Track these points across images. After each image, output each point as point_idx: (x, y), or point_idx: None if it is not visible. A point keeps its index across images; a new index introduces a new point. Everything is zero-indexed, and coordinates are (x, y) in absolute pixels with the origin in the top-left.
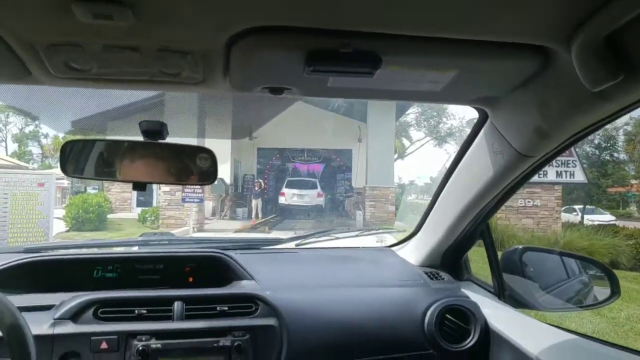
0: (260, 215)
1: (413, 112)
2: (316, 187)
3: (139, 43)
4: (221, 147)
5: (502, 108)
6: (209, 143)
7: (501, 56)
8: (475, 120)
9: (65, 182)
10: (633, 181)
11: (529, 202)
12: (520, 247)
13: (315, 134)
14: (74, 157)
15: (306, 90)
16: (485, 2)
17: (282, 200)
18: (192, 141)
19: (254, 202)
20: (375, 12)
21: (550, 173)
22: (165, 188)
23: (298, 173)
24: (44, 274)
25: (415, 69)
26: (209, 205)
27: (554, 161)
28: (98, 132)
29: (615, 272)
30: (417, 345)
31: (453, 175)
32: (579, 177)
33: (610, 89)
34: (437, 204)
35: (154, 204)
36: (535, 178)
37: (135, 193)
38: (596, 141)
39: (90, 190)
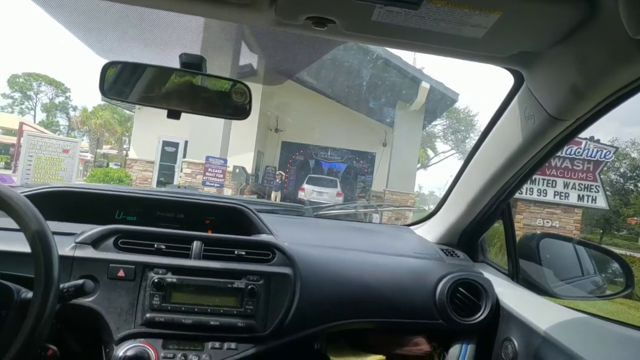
0: None
1: (441, 123)
2: (336, 187)
3: None
4: (246, 138)
5: (539, 67)
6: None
7: (545, 0)
8: None
9: (89, 155)
10: None
11: (547, 222)
12: (539, 232)
13: (341, 134)
14: (112, 78)
15: (350, 24)
16: None
17: (301, 195)
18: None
19: (273, 194)
20: None
21: (572, 195)
22: (186, 170)
23: (320, 170)
24: (68, 207)
25: (460, 7)
26: (227, 192)
27: (577, 184)
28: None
29: (627, 302)
30: (426, 314)
31: (481, 147)
32: (601, 203)
33: None
34: (461, 179)
35: (175, 184)
36: (557, 199)
37: (156, 171)
38: (622, 169)
39: (112, 165)
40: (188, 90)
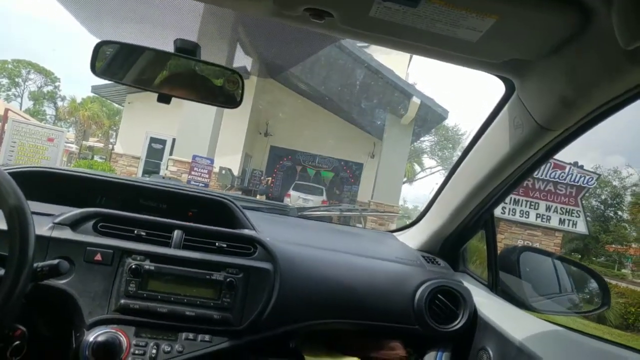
0: None
1: (429, 139)
2: (322, 194)
3: None
4: (235, 139)
5: (530, 76)
6: (226, 125)
7: (542, 8)
8: None
9: (74, 146)
10: (634, 245)
11: (528, 243)
12: (520, 245)
13: (330, 142)
14: (105, 58)
15: (347, 18)
16: None
17: (287, 200)
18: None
19: (258, 197)
20: None
21: (554, 219)
22: (172, 168)
23: (306, 177)
24: (50, 188)
25: (457, 8)
26: None
27: (559, 208)
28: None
29: (600, 326)
30: (404, 319)
31: (468, 155)
32: (581, 227)
33: None
34: (446, 187)
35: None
36: (538, 221)
37: (141, 168)
38: (603, 196)
39: (97, 158)
40: (180, 75)
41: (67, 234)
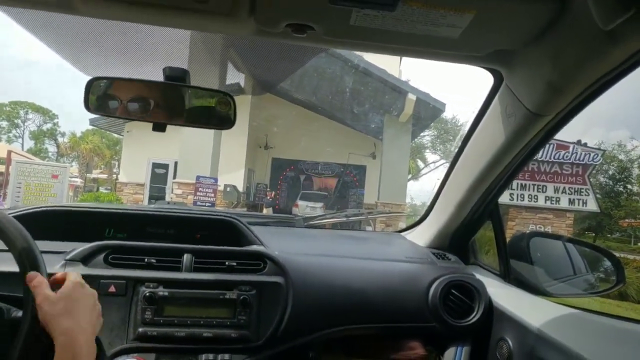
0: None
1: (429, 134)
2: (330, 201)
3: None
4: (236, 156)
5: (516, 65)
6: (226, 143)
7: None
8: None
9: (78, 180)
10: None
11: (540, 227)
12: (528, 231)
13: (331, 148)
14: (97, 94)
15: (329, 29)
16: None
17: (295, 211)
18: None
19: (265, 210)
20: None
21: (563, 200)
22: (177, 191)
23: (311, 186)
24: (57, 226)
25: (435, 8)
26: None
27: (567, 188)
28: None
29: (624, 303)
30: (420, 318)
31: (465, 149)
32: (592, 206)
33: (622, 27)
34: (448, 182)
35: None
36: (548, 204)
37: (146, 194)
38: (610, 172)
39: (102, 190)
40: (172, 103)
41: (79, 269)
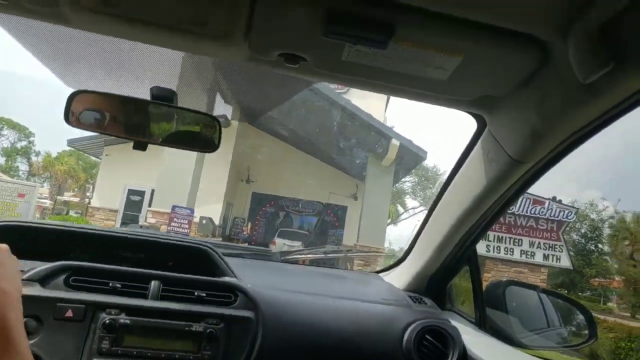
0: None
1: (410, 180)
2: (308, 240)
3: None
4: (216, 188)
5: (500, 111)
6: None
7: (503, 46)
8: None
9: (47, 202)
10: (617, 277)
11: None
12: (504, 280)
13: (313, 186)
14: (78, 107)
15: (320, 62)
16: None
17: (272, 248)
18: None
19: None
20: None
21: (538, 254)
22: (151, 220)
23: (290, 223)
24: (19, 243)
25: (425, 48)
26: None
27: (542, 243)
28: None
29: None
30: None
31: (446, 192)
32: (565, 262)
33: (602, 82)
34: (427, 225)
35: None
36: (523, 258)
37: (119, 221)
38: (582, 230)
39: (72, 213)
40: (157, 122)
41: (35, 290)
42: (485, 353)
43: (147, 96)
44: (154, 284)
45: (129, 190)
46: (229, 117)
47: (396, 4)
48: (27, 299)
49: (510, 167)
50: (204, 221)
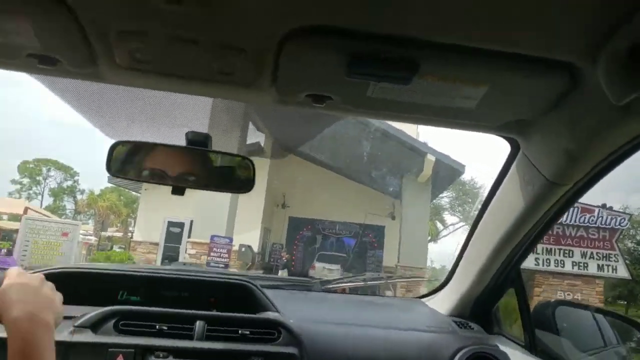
0: None
1: (447, 195)
2: (347, 262)
3: (200, 35)
4: (253, 215)
5: (532, 134)
6: (243, 202)
7: (530, 73)
8: None
9: (93, 238)
10: None
11: (568, 294)
12: (553, 300)
13: (349, 208)
14: (119, 158)
15: (346, 99)
16: (516, 15)
17: (312, 273)
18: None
19: (280, 272)
20: (416, 18)
21: (591, 265)
22: (191, 251)
23: (329, 246)
24: (69, 288)
25: (450, 81)
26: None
27: (595, 253)
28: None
29: None
30: None
31: (484, 215)
32: (622, 272)
33: (636, 102)
34: (468, 248)
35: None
36: (575, 269)
37: (160, 253)
38: (638, 237)
39: (116, 249)
40: (193, 166)
41: (88, 336)
42: None
43: (182, 140)
44: (198, 324)
45: (169, 222)
46: (262, 145)
47: (418, 41)
48: (81, 346)
49: (548, 190)
50: (242, 249)
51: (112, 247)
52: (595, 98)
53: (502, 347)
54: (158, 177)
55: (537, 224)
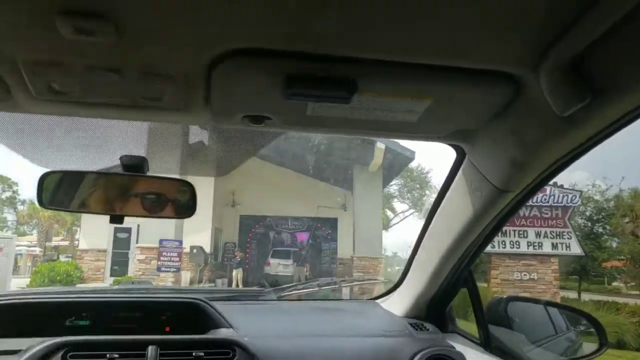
0: (240, 286)
1: (396, 183)
2: (300, 258)
3: (121, 64)
4: (202, 215)
5: (478, 142)
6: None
7: (473, 85)
8: None
9: (37, 249)
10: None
11: (525, 275)
12: (505, 296)
13: (300, 202)
14: (51, 188)
15: (286, 119)
16: (456, 28)
17: (267, 270)
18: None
19: (234, 272)
20: (351, 36)
21: (546, 244)
22: (140, 256)
23: (282, 242)
24: (12, 319)
25: (391, 97)
26: (186, 275)
27: (548, 232)
28: (76, 166)
29: (622, 352)
30: None
31: (434, 219)
32: (575, 249)
33: (580, 114)
34: (419, 250)
35: (129, 273)
36: (530, 249)
37: (109, 261)
38: (588, 213)
39: (62, 258)
40: (130, 193)
41: None
42: None
43: (118, 166)
44: (150, 349)
45: (115, 228)
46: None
47: (356, 60)
48: None
49: (495, 196)
50: (194, 250)
51: (58, 257)
52: (538, 108)
53: (457, 346)
54: (94, 207)
55: (486, 228)
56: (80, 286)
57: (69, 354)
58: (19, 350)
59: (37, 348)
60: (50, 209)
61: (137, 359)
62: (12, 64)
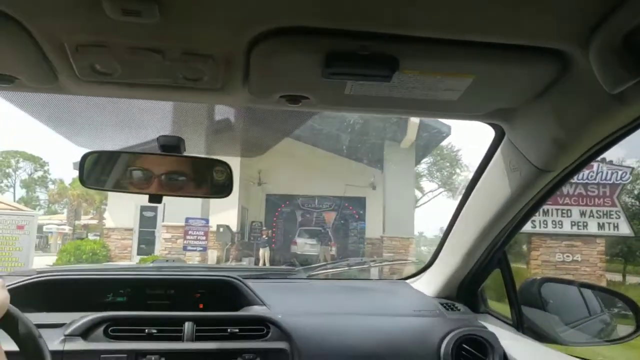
0: (267, 265)
1: (425, 161)
2: (327, 237)
3: (164, 44)
4: (229, 196)
5: (518, 121)
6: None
7: (518, 62)
8: None
9: (67, 228)
10: None
11: (567, 257)
12: (539, 277)
13: (327, 181)
14: (91, 168)
15: (323, 98)
16: (502, 3)
17: (294, 249)
18: None
19: (261, 251)
20: (393, 13)
21: (591, 224)
22: (166, 235)
23: (309, 221)
24: (55, 295)
25: (432, 75)
26: (213, 254)
27: (595, 211)
28: (115, 147)
29: None
30: None
31: (469, 199)
32: (624, 229)
33: (630, 91)
34: (453, 230)
35: (156, 252)
36: (574, 230)
37: (135, 239)
38: (636, 191)
39: (91, 237)
40: (168, 172)
41: (79, 344)
42: (526, 357)
43: (154, 144)
44: (187, 325)
45: (141, 206)
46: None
47: (398, 37)
48: (73, 354)
49: (534, 176)
50: (221, 229)
51: (87, 235)
52: (586, 85)
53: (489, 327)
54: (133, 186)
55: (524, 208)
56: (112, 264)
57: (110, 328)
58: (63, 324)
59: (81, 322)
60: (92, 188)
61: (174, 334)
62: (59, 45)
